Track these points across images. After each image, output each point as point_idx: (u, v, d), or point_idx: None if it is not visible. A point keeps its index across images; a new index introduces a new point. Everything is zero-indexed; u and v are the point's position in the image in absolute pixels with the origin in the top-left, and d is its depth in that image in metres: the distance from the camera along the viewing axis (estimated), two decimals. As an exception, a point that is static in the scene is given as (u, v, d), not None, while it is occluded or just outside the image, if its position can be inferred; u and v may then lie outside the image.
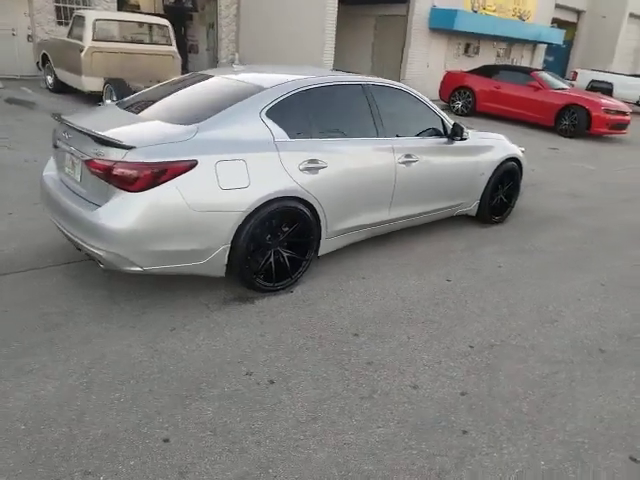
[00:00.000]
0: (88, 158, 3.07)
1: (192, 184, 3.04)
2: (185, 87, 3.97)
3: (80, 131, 3.12)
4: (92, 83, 9.58)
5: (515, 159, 5.39)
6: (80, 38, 9.53)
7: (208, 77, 3.99)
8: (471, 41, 16.84)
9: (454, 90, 13.65)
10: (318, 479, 2.10)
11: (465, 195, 4.99)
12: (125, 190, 2.95)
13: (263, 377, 2.71)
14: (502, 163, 5.20)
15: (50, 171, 3.75)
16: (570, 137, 11.63)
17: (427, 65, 15.81)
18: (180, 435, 2.28)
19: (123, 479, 2.04)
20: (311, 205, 3.58)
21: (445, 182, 4.69)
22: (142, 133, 3.19)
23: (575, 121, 11.49)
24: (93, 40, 9.44)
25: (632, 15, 21.85)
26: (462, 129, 4.54)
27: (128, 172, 2.92)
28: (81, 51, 9.42)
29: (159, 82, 9.91)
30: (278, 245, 3.53)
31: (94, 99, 9.71)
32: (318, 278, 3.86)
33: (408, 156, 4.22)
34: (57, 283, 3.51)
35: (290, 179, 3.43)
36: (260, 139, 3.38)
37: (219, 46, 15.97)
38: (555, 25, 19.77)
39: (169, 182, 2.97)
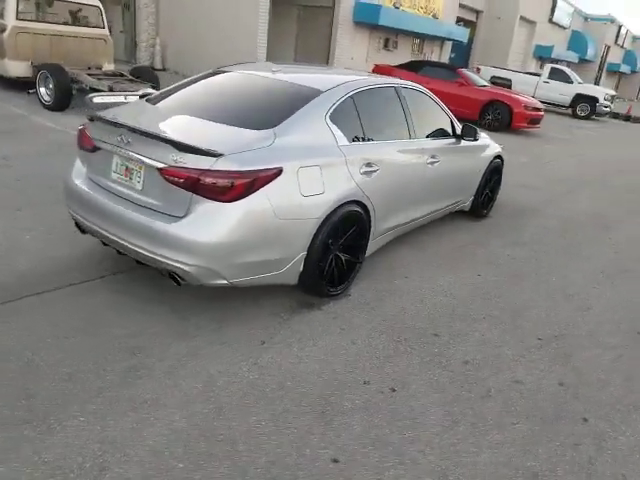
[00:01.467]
0: (163, 166, 2.82)
1: (278, 192, 2.93)
2: (225, 85, 3.76)
3: (151, 135, 2.85)
4: (17, 68, 8.58)
5: (499, 156, 5.77)
6: (1, 17, 8.47)
7: (247, 75, 3.80)
8: (390, 36, 17.42)
9: (383, 84, 14.04)
10: (493, 480, 2.20)
11: (466, 191, 5.28)
12: (215, 200, 2.77)
13: (382, 385, 2.72)
14: (492, 160, 5.56)
15: (80, 176, 3.37)
16: (494, 131, 12.56)
17: (352, 58, 16.11)
18: (345, 453, 2.24)
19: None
20: (366, 207, 3.60)
21: (456, 180, 4.93)
22: (219, 138, 2.97)
23: (498, 116, 12.44)
24: (17, 20, 8.44)
25: (522, 18, 23.94)
26: (475, 130, 4.78)
27: (220, 181, 2.74)
28: (3, 31, 8.38)
29: (97, 68, 9.35)
30: (337, 249, 3.51)
31: (20, 86, 8.71)
32: (362, 280, 3.87)
33: (433, 156, 4.37)
34: (106, 300, 3.20)
35: (354, 183, 3.43)
36: (327, 144, 3.32)
37: (138, 29, 14.98)
38: (461, 24, 21.07)
39: (259, 191, 2.84)
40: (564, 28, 29.52)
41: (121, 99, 7.84)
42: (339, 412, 2.48)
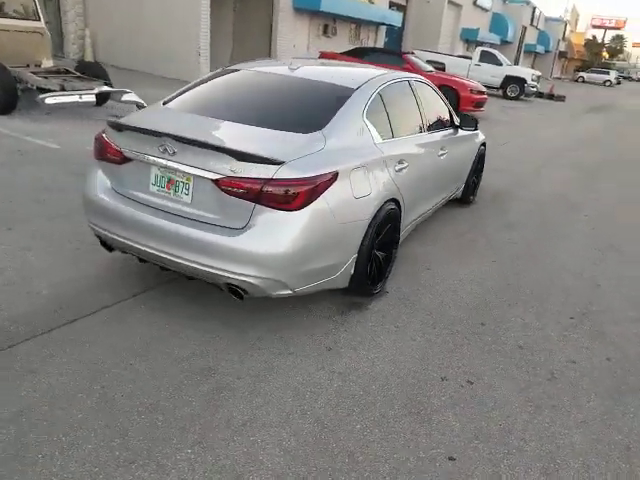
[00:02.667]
0: (218, 177, 2.69)
1: (336, 196, 2.89)
2: (253, 86, 3.63)
3: (203, 145, 2.69)
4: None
5: (484, 143, 5.99)
6: None
7: (274, 76, 3.69)
8: (329, 22, 17.39)
9: (331, 71, 14.04)
10: (607, 459, 2.34)
11: (462, 179, 5.45)
12: (279, 209, 2.70)
13: (458, 380, 2.79)
14: (479, 147, 5.76)
15: (104, 190, 3.14)
16: (443, 115, 12.95)
17: (294, 46, 15.96)
18: (457, 450, 2.30)
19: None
20: (399, 204, 3.63)
21: (456, 169, 5.07)
22: (272, 145, 2.85)
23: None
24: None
25: (450, 2, 24.65)
26: (476, 120, 4.92)
27: (285, 190, 2.66)
28: None
29: (36, 65, 8.62)
30: (376, 248, 3.52)
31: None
32: (391, 277, 3.91)
33: (442, 148, 4.48)
34: (148, 320, 3.03)
35: (392, 182, 3.45)
36: (366, 143, 3.31)
37: (64, 20, 14.00)
38: (395, 8, 21.38)
39: (321, 196, 2.79)
40: (486, 10, 30.75)
41: (76, 99, 7.37)
42: (433, 410, 2.53)
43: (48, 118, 7.57)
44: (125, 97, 7.87)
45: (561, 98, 23.45)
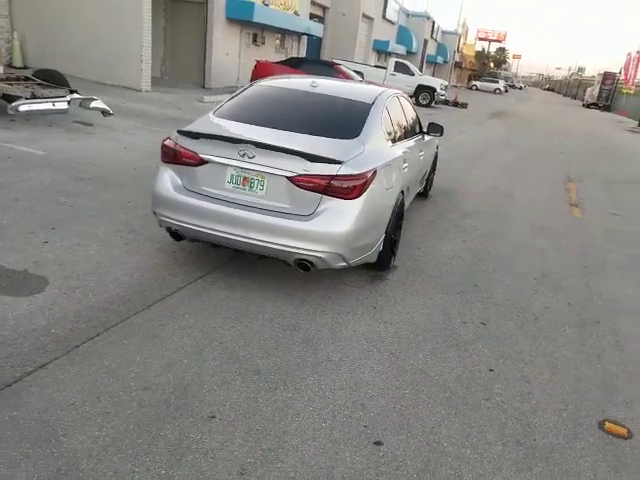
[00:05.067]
0: (292, 174, 3.41)
1: (377, 188, 3.71)
2: (291, 101, 4.32)
3: (280, 149, 3.39)
4: None
5: (437, 146, 7.09)
6: None
7: (305, 93, 4.36)
8: (258, 32, 18.07)
9: (267, 80, 14.75)
10: (586, 360, 3.37)
11: (426, 176, 6.48)
12: (342, 198, 3.47)
13: (474, 322, 3.73)
14: (436, 149, 6.86)
15: (177, 188, 3.72)
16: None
17: (227, 54, 16.46)
18: (492, 364, 3.21)
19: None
20: (403, 194, 4.53)
21: (424, 168, 6.09)
22: (328, 149, 3.57)
23: (376, 108, 14.01)
24: None
25: (364, 15, 26.27)
26: (442, 127, 5.95)
27: (347, 183, 3.45)
28: None
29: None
30: (392, 230, 4.35)
31: None
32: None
33: (420, 150, 5.46)
34: (223, 295, 3.64)
35: (402, 177, 4.34)
36: (384, 147, 4.17)
37: (-14, 23, 13.45)
38: (316, 20, 22.48)
39: (369, 188, 3.60)
40: (393, 24, 32.96)
41: (49, 106, 7.54)
42: (466, 342, 3.44)
43: (15, 125, 7.61)
44: (93, 104, 8.09)
45: (464, 105, 25.85)
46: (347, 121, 4.07)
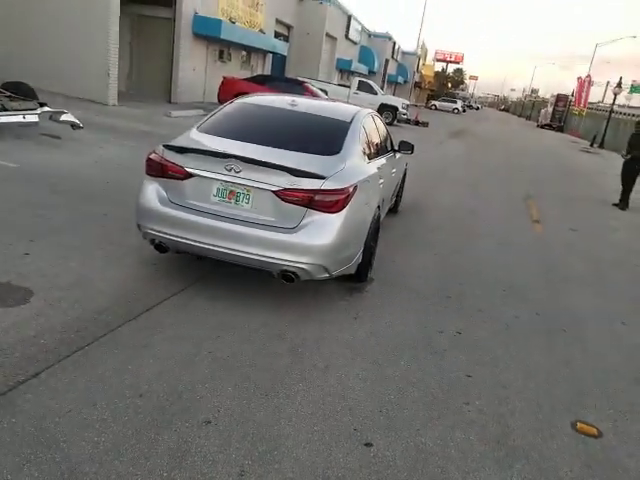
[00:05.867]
0: (277, 188, 3.54)
1: (356, 202, 3.86)
2: (272, 119, 4.46)
3: (266, 164, 3.51)
4: None
5: (406, 163, 7.36)
6: None
7: (286, 111, 4.50)
8: (224, 48, 18.21)
9: (235, 96, 14.85)
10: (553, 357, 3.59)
11: (395, 194, 6.71)
12: (325, 212, 3.62)
13: (450, 331, 3.91)
14: (405, 167, 7.12)
15: (162, 201, 3.77)
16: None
17: (194, 69, 16.51)
18: (470, 371, 3.39)
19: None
20: (379, 208, 4.71)
21: (396, 183, 6.32)
22: (311, 164, 3.71)
23: (343, 125, 14.34)
24: None
25: (327, 34, 26.82)
26: (412, 145, 6.20)
27: (330, 198, 3.60)
28: None
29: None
30: (370, 242, 4.49)
31: None
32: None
33: (393, 167, 5.69)
34: (207, 305, 3.72)
35: (380, 192, 4.54)
36: (362, 163, 4.35)
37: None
38: (281, 38, 22.81)
39: (350, 202, 3.76)
40: (355, 43, 33.77)
41: (19, 119, 7.46)
42: (443, 350, 3.61)
43: (-18, 137, 7.45)
44: (63, 117, 8.01)
45: (426, 124, 26.63)
46: (328, 138, 4.23)
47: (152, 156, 3.87)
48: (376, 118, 5.55)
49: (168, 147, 3.79)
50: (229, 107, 4.65)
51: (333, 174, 3.69)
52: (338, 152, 4.02)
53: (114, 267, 4.09)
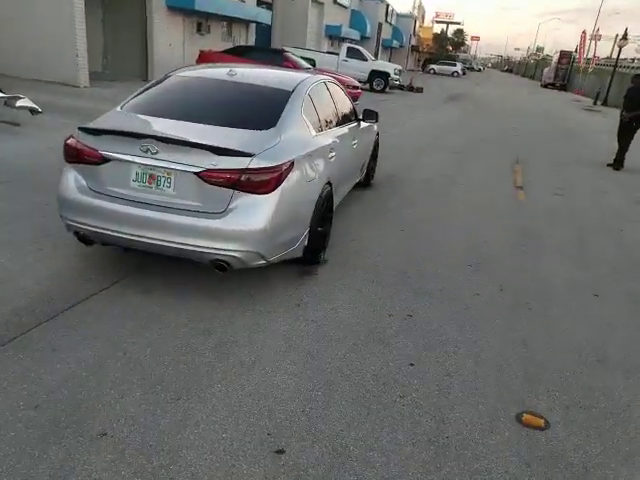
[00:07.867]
0: (200, 170, 3.22)
1: (294, 181, 3.55)
2: (204, 91, 4.12)
3: (184, 143, 3.19)
4: None
5: (378, 133, 6.98)
6: None
7: (218, 81, 4.18)
8: (202, 20, 17.57)
9: (214, 70, 14.38)
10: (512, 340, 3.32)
11: (365, 164, 6.36)
12: (254, 194, 3.31)
13: (401, 314, 3.64)
14: (376, 137, 6.75)
15: (81, 189, 3.49)
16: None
17: (170, 44, 15.96)
18: (414, 359, 3.13)
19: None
20: (331, 185, 4.38)
21: (362, 156, 5.97)
22: (238, 140, 3.38)
23: (327, 95, 13.85)
24: None
25: (314, 0, 25.90)
26: (377, 114, 5.82)
27: (258, 177, 3.28)
28: None
29: None
30: (318, 223, 4.22)
31: None
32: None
33: (354, 138, 5.33)
34: (137, 301, 3.46)
35: (329, 168, 4.20)
36: (306, 136, 4.01)
37: None
38: (264, 6, 22.03)
39: (284, 181, 3.44)
40: (345, 8, 32.66)
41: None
42: (389, 336, 3.35)
43: None
44: (19, 102, 7.67)
45: (420, 90, 25.92)
46: (263, 110, 3.89)
47: (69, 141, 3.56)
48: (331, 85, 5.17)
49: (83, 129, 3.48)
50: (162, 82, 4.30)
51: (263, 151, 3.37)
52: (273, 125, 3.68)
53: (45, 262, 3.84)
